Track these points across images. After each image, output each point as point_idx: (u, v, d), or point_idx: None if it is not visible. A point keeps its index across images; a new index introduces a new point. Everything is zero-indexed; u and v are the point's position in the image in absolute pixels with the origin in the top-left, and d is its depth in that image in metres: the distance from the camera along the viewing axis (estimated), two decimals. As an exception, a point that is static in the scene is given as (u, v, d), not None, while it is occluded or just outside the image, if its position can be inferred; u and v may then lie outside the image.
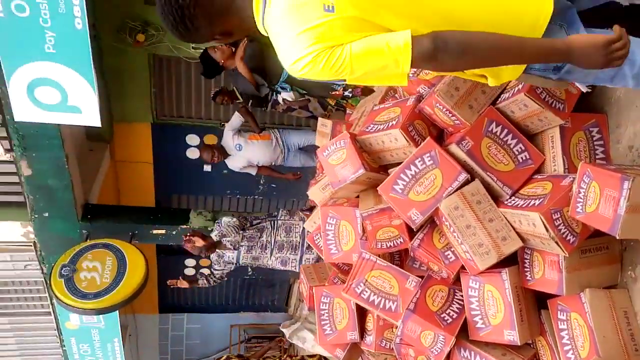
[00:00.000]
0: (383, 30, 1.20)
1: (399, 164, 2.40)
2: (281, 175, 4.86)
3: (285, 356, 4.68)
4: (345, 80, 1.24)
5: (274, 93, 4.07)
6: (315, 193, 2.97)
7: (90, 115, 3.41)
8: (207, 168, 6.01)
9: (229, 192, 6.28)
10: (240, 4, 1.26)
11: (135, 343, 6.81)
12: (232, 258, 4.11)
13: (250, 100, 4.26)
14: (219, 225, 4.12)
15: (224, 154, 4.51)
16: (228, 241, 4.03)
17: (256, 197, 6.40)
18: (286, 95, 3.97)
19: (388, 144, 2.31)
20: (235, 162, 4.59)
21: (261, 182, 6.26)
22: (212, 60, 4.00)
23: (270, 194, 6.40)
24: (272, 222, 4.08)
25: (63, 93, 3.33)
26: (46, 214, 4.20)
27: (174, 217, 4.80)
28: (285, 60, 1.25)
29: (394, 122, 2.23)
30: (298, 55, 1.20)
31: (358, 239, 2.57)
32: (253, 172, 4.74)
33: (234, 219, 4.09)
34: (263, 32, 1.30)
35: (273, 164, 4.69)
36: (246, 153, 4.50)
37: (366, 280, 2.43)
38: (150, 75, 5.09)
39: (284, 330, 5.80)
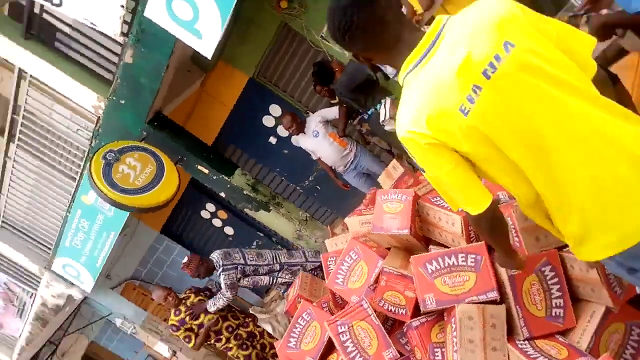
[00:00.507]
0: (496, 159, 1.21)
1: (441, 244, 2.41)
2: (334, 177, 4.87)
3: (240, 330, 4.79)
4: None
5: (367, 111, 4.11)
6: (354, 223, 3.01)
7: (207, 45, 3.57)
8: (273, 140, 6.16)
9: (278, 170, 6.40)
10: (399, 50, 1.28)
11: (125, 244, 7.05)
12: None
13: (345, 106, 4.35)
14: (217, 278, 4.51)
15: (300, 129, 4.64)
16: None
17: (298, 188, 6.49)
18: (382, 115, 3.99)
19: (443, 224, 2.32)
20: (304, 141, 4.72)
21: (310, 177, 6.34)
22: (329, 69, 4.19)
23: (311, 193, 6.47)
24: (272, 278, 4.53)
25: (196, 15, 3.50)
26: (122, 101, 4.43)
27: (222, 165, 4.91)
28: (399, 125, 1.29)
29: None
30: (410, 128, 1.24)
31: (366, 286, 2.59)
32: (314, 157, 4.82)
33: (229, 278, 4.37)
34: (400, 81, 1.34)
35: (333, 167, 4.73)
36: (317, 143, 4.60)
37: (352, 326, 2.45)
38: (273, 38, 5.27)
39: (253, 312, 5.88)
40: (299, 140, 4.78)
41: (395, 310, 2.35)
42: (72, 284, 6.89)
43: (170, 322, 4.77)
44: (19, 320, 8.01)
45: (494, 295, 1.93)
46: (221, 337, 4.75)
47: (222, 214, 7.36)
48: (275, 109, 5.98)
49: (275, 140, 6.20)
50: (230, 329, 4.74)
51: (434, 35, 1.22)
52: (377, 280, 2.51)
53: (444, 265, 2.08)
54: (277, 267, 4.47)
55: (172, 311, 4.77)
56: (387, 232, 2.44)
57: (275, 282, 4.55)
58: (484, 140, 1.19)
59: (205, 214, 7.48)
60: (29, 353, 8.10)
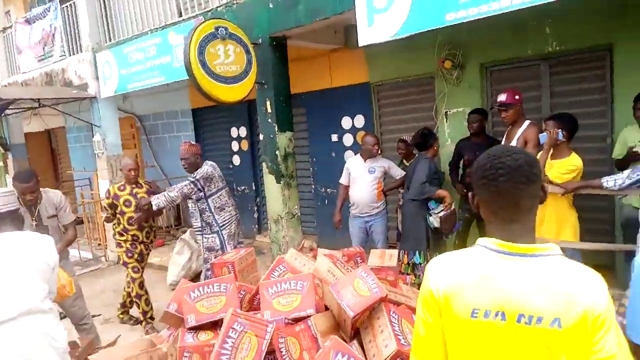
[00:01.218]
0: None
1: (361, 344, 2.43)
2: (339, 209, 4.74)
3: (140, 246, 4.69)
4: None
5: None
6: (324, 264, 3.01)
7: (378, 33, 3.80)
8: (334, 138, 6.25)
9: (314, 160, 6.48)
10: (507, 228, 1.20)
11: (163, 90, 7.18)
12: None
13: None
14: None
15: (373, 155, 4.60)
16: None
17: (313, 188, 6.58)
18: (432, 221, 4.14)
19: (379, 339, 2.35)
20: (356, 165, 4.67)
21: (328, 190, 6.41)
22: (431, 141, 4.28)
23: (317, 201, 6.55)
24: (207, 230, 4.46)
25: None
26: (272, 5, 4.56)
27: (283, 117, 4.84)
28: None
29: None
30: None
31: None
32: (344, 182, 4.79)
33: (190, 188, 4.27)
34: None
35: (351, 204, 4.72)
36: (364, 177, 4.58)
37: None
38: (414, 75, 5.36)
39: (185, 234, 5.95)
40: (354, 161, 4.73)
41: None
42: (97, 79, 7.04)
43: (112, 188, 4.64)
44: (35, 60, 8.14)
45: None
46: (124, 235, 4.57)
47: (245, 145, 7.46)
48: (360, 120, 6.03)
49: (336, 139, 6.26)
50: (135, 238, 4.57)
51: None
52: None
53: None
54: (217, 230, 4.41)
55: (120, 184, 4.64)
56: (340, 300, 2.46)
57: (204, 240, 4.48)
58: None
59: (233, 131, 7.59)
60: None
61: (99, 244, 7.89)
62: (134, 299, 4.64)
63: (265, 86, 4.83)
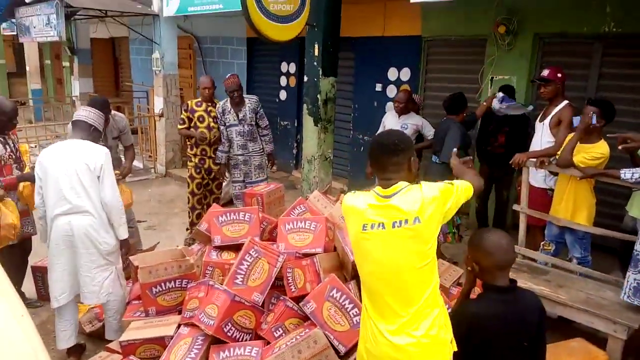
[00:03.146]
0: None
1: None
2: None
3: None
4: None
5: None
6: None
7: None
8: (379, 87, 6.35)
9: (357, 107, 6.64)
10: None
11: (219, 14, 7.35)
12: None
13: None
14: None
15: (404, 111, 4.84)
16: None
17: (351, 134, 6.78)
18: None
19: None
20: (391, 120, 4.92)
21: (365, 138, 6.60)
22: (463, 105, 4.38)
23: (352, 147, 6.77)
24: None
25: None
26: None
27: (329, 61, 4.97)
28: None
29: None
30: None
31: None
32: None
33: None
34: None
35: None
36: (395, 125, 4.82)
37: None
38: (470, 36, 5.35)
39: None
40: (390, 115, 4.97)
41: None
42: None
43: (190, 102, 4.97)
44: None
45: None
46: (194, 149, 4.96)
47: (292, 81, 7.65)
48: (406, 73, 6.08)
49: (380, 89, 6.36)
50: (204, 153, 4.93)
51: None
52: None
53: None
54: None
55: (197, 100, 4.96)
56: (344, 245, 2.78)
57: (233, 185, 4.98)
58: None
59: (283, 66, 7.77)
60: None
61: (150, 156, 8.50)
62: (189, 209, 5.12)
63: (316, 29, 4.93)
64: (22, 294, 3.83)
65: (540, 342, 1.83)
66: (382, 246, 1.71)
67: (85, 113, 3.12)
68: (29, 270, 3.93)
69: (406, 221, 1.67)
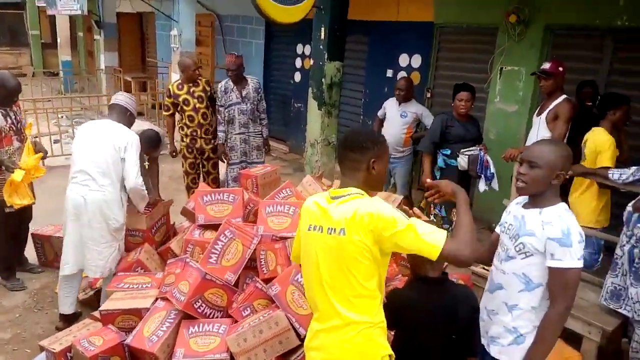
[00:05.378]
0: None
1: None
2: None
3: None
4: None
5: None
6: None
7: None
8: (389, 73, 6.29)
9: (366, 92, 6.60)
10: None
11: None
12: None
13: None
14: None
15: (404, 99, 4.81)
16: None
17: (360, 119, 6.76)
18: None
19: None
20: (391, 107, 4.92)
21: (371, 123, 6.56)
22: None
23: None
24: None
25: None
26: None
27: (335, 45, 4.96)
28: None
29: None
30: None
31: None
32: (380, 115, 5.11)
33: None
34: None
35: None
36: (396, 119, 4.81)
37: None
38: (478, 24, 5.23)
39: None
40: (391, 102, 4.95)
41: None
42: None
43: (171, 87, 4.92)
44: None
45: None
46: (184, 130, 4.97)
47: (307, 63, 7.64)
48: (417, 60, 6.01)
49: (391, 74, 6.30)
50: (194, 134, 4.94)
51: None
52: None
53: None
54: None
55: (177, 83, 4.89)
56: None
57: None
58: None
59: (299, 48, 7.76)
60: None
61: (167, 132, 8.65)
62: (185, 188, 5.26)
63: (323, 12, 4.91)
64: (25, 260, 4.06)
65: (471, 338, 1.86)
66: (320, 250, 1.69)
67: (123, 98, 3.35)
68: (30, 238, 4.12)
69: (334, 230, 1.63)
